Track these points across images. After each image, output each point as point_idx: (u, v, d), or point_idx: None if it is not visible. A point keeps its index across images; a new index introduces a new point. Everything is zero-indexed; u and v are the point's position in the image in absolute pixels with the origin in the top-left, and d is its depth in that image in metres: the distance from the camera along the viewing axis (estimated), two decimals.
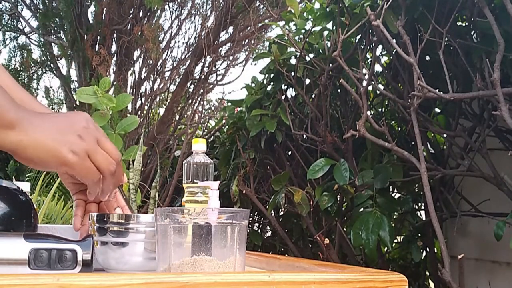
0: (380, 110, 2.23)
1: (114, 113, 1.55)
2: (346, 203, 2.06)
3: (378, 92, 2.02)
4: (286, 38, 2.07)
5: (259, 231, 3.03)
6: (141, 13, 3.97)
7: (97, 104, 1.47)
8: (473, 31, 1.71)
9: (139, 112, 3.91)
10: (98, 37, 3.79)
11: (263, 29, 4.07)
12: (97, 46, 3.78)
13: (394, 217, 2.18)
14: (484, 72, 1.48)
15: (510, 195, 1.54)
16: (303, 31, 2.09)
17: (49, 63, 4.28)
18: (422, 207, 2.23)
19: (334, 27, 1.93)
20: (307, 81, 2.13)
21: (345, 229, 2.06)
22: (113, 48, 3.89)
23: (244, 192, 2.33)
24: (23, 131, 0.68)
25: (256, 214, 2.94)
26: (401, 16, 1.58)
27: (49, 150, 0.70)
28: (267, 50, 2.25)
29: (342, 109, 2.17)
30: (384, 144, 1.60)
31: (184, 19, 4.14)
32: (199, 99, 4.04)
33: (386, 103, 2.19)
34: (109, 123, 1.53)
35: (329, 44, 2.01)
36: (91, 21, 3.93)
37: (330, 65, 1.94)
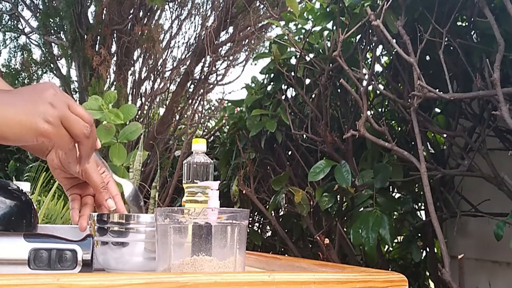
0: (380, 110, 2.23)
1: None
2: (346, 203, 2.06)
3: (378, 92, 2.02)
4: (286, 38, 2.07)
5: (259, 231, 3.03)
6: (141, 13, 3.97)
7: (103, 119, 1.45)
8: (473, 31, 1.71)
9: (139, 112, 3.91)
10: (98, 37, 3.79)
11: (263, 29, 4.07)
12: (97, 46, 3.78)
13: (394, 217, 2.18)
14: (484, 72, 1.48)
15: (510, 195, 1.54)
16: (303, 31, 2.09)
17: (49, 63, 4.28)
18: (422, 207, 2.23)
19: (334, 27, 1.93)
20: (307, 81, 2.13)
21: (345, 229, 2.06)
22: (113, 48, 3.89)
23: (244, 192, 2.33)
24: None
25: (256, 214, 2.94)
26: (401, 16, 1.58)
27: (23, 124, 0.67)
28: (267, 50, 2.25)
29: (342, 109, 2.17)
30: (384, 144, 1.60)
31: (184, 19, 4.14)
32: (199, 99, 4.04)
33: (386, 103, 2.19)
34: None
35: (329, 44, 2.01)
36: (91, 21, 3.93)
37: (330, 65, 1.94)
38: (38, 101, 0.69)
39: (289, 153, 2.44)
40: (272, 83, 2.30)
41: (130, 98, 3.84)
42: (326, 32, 2.06)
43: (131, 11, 3.85)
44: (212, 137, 3.38)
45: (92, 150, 0.77)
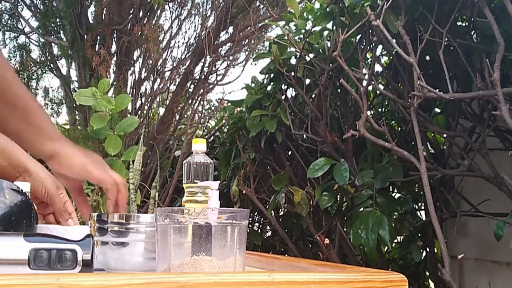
0: (380, 110, 2.23)
1: (114, 114, 1.55)
2: (346, 203, 2.06)
3: (378, 92, 2.02)
4: (286, 38, 2.07)
5: (259, 231, 3.03)
6: (141, 13, 3.97)
7: (96, 106, 1.48)
8: (473, 31, 1.71)
9: (139, 112, 3.91)
10: (98, 37, 3.78)
11: (263, 29, 4.06)
12: (97, 46, 3.78)
13: (394, 217, 2.18)
14: (484, 72, 1.48)
15: (510, 195, 1.54)
16: (303, 31, 2.09)
17: (49, 63, 4.27)
18: (422, 207, 2.23)
19: (334, 27, 1.93)
20: (307, 81, 2.13)
21: (345, 229, 2.06)
22: (113, 48, 3.89)
23: (244, 192, 2.33)
24: (63, 146, 0.96)
25: (256, 214, 2.94)
26: (401, 16, 1.58)
27: (79, 160, 0.96)
28: (267, 50, 2.25)
29: (342, 109, 2.17)
30: (384, 144, 1.60)
31: (184, 19, 4.14)
32: (199, 99, 4.03)
33: (386, 103, 2.19)
34: (108, 124, 1.53)
35: (329, 44, 2.01)
36: (91, 21, 3.92)
37: (330, 65, 1.94)
38: (89, 156, 1.02)
39: (289, 153, 2.44)
40: (272, 83, 2.30)
41: (126, 94, 3.83)
42: (326, 32, 2.06)
43: (131, 11, 3.84)
44: (212, 137, 3.38)
45: (126, 202, 1.01)
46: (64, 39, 3.96)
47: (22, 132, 0.94)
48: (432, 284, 2.20)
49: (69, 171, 0.94)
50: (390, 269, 2.18)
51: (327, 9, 1.88)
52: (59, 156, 0.94)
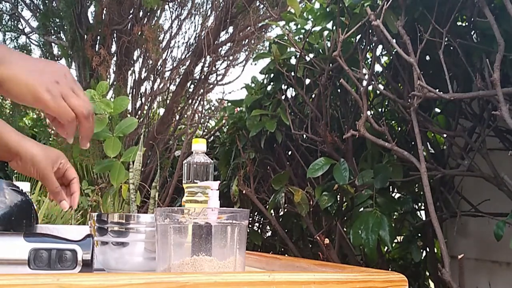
0: (380, 110, 2.23)
1: (114, 116, 1.55)
2: (346, 203, 2.06)
3: (378, 92, 2.02)
4: (286, 38, 2.07)
5: (259, 231, 3.03)
6: (141, 13, 3.97)
7: (95, 108, 1.47)
8: (473, 31, 1.71)
9: (139, 112, 3.91)
10: (98, 37, 3.79)
11: (263, 29, 4.06)
12: (97, 46, 3.78)
13: (394, 217, 2.18)
14: (484, 72, 1.48)
15: (510, 195, 1.54)
16: (303, 31, 2.09)
17: None
18: (422, 207, 2.23)
19: (334, 27, 1.93)
20: (307, 81, 2.13)
21: (345, 229, 2.06)
22: (113, 48, 3.89)
23: (244, 192, 2.33)
24: (6, 66, 0.76)
25: (256, 214, 2.94)
26: (401, 16, 1.58)
27: (27, 86, 0.76)
28: (267, 50, 2.25)
29: (342, 109, 2.17)
30: (384, 144, 1.60)
31: (184, 19, 4.14)
32: (199, 99, 4.03)
33: (386, 103, 2.19)
34: (108, 125, 1.53)
35: (329, 44, 2.01)
36: (91, 21, 3.93)
37: (330, 65, 1.94)
38: (47, 74, 0.78)
39: (289, 153, 2.44)
40: (272, 83, 2.30)
41: (130, 98, 3.84)
42: (326, 32, 2.06)
43: (131, 11, 3.84)
44: (212, 137, 3.38)
45: (91, 133, 0.84)
46: (64, 39, 3.96)
47: None
48: (432, 284, 2.20)
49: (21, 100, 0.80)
50: (390, 269, 2.19)
51: (327, 9, 1.88)
52: (4, 82, 0.79)
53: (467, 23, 1.75)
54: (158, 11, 4.06)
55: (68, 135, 0.83)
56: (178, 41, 6.04)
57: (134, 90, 3.95)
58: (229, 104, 2.74)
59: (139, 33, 3.63)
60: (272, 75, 2.25)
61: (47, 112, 0.80)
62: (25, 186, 0.91)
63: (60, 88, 0.78)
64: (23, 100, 0.78)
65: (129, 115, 3.43)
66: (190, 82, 3.94)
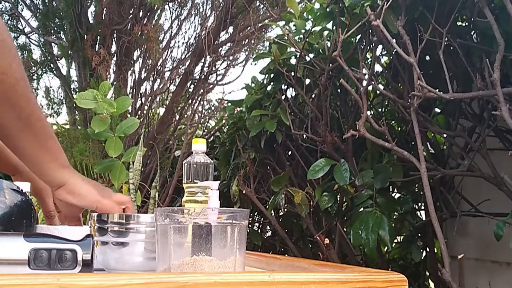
0: (380, 110, 2.23)
1: (114, 115, 1.54)
2: (346, 203, 2.06)
3: (378, 92, 2.02)
4: (286, 38, 2.07)
5: (259, 231, 3.03)
6: (141, 13, 3.97)
7: (97, 108, 1.46)
8: (473, 31, 1.71)
9: (139, 112, 3.91)
10: (98, 37, 3.78)
11: (263, 29, 4.06)
12: (97, 46, 3.78)
13: (394, 217, 2.18)
14: (484, 72, 1.47)
15: (510, 195, 1.54)
16: (303, 31, 2.09)
17: (49, 63, 4.27)
18: (422, 207, 2.23)
19: (334, 27, 1.93)
20: (307, 81, 2.13)
21: (345, 229, 2.06)
22: (113, 48, 3.89)
23: (244, 192, 2.33)
24: (73, 174, 0.92)
25: (256, 214, 2.94)
26: (401, 16, 1.58)
27: (89, 195, 0.92)
28: (267, 50, 2.25)
29: (342, 109, 2.17)
30: (384, 144, 1.60)
31: (184, 19, 4.14)
32: (199, 99, 4.03)
33: (386, 103, 2.19)
34: (109, 126, 1.52)
35: (329, 44, 2.01)
36: (91, 21, 3.92)
37: (330, 65, 1.94)
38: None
39: (289, 153, 2.44)
40: (272, 83, 2.30)
41: (130, 98, 3.83)
42: (326, 32, 2.06)
43: (131, 11, 3.84)
44: (212, 137, 3.38)
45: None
46: (64, 39, 3.96)
47: (36, 157, 0.87)
48: (432, 284, 2.20)
49: (81, 200, 0.91)
50: (390, 269, 2.19)
51: (327, 9, 1.88)
52: (69, 185, 0.91)
53: (467, 23, 1.75)
54: (158, 11, 4.06)
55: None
56: (178, 41, 6.03)
57: (134, 90, 3.95)
58: (229, 104, 2.74)
59: (139, 33, 3.63)
60: (272, 75, 2.25)
61: (101, 211, 0.92)
62: (25, 186, 0.90)
63: (108, 194, 0.94)
64: (84, 200, 0.92)
65: (129, 115, 3.43)
66: (190, 82, 3.94)
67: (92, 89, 1.52)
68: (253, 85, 2.45)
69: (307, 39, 1.99)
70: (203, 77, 3.92)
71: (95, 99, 1.46)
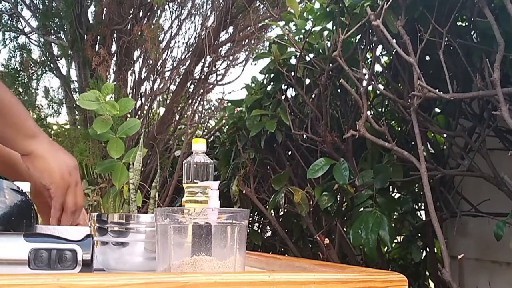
0: (380, 110, 2.23)
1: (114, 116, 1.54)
2: (346, 203, 2.06)
3: (378, 92, 2.02)
4: (286, 38, 2.07)
5: (259, 231, 3.03)
6: (141, 13, 3.97)
7: (100, 110, 1.46)
8: (473, 31, 1.71)
9: (139, 112, 3.91)
10: (98, 37, 3.79)
11: (263, 29, 4.06)
12: (97, 46, 3.78)
13: (394, 217, 2.18)
14: (484, 72, 1.48)
15: (510, 195, 1.54)
16: (303, 31, 2.09)
17: (49, 63, 4.27)
18: (422, 207, 2.23)
19: (334, 27, 1.93)
20: (307, 81, 2.13)
21: (345, 229, 2.06)
22: (113, 48, 3.89)
23: (244, 192, 2.33)
24: (38, 142, 0.92)
25: (256, 214, 2.94)
26: (401, 16, 1.58)
27: (49, 168, 0.92)
28: (267, 50, 2.25)
29: (342, 109, 2.17)
30: (384, 144, 1.60)
31: (184, 19, 4.14)
32: (199, 99, 4.03)
33: (386, 103, 2.19)
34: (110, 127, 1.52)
35: (329, 44, 2.01)
36: (91, 21, 3.93)
37: (330, 65, 1.94)
38: (64, 164, 0.95)
39: (289, 153, 2.44)
40: (272, 83, 2.30)
41: (130, 98, 3.83)
42: (326, 32, 2.06)
43: (131, 11, 3.85)
44: (212, 137, 3.38)
45: (68, 224, 0.97)
46: (64, 39, 3.96)
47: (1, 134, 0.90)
48: (432, 284, 2.20)
49: (39, 175, 0.92)
50: (390, 269, 2.19)
51: (327, 9, 1.88)
52: (33, 156, 0.92)
53: (467, 23, 1.75)
54: (158, 11, 4.06)
55: (50, 223, 0.95)
56: (178, 41, 6.03)
57: (134, 90, 3.95)
58: (229, 104, 2.74)
59: (139, 33, 3.63)
60: (272, 75, 2.25)
61: (47, 198, 0.94)
62: (25, 186, 0.91)
63: (69, 179, 0.94)
64: (40, 176, 0.92)
65: (129, 115, 3.43)
66: (190, 82, 3.94)
67: (92, 89, 1.52)
68: (253, 85, 2.45)
69: (307, 39, 1.99)
70: (203, 77, 3.92)
71: (98, 100, 1.46)
